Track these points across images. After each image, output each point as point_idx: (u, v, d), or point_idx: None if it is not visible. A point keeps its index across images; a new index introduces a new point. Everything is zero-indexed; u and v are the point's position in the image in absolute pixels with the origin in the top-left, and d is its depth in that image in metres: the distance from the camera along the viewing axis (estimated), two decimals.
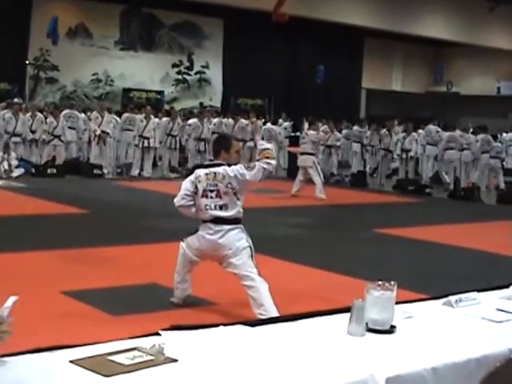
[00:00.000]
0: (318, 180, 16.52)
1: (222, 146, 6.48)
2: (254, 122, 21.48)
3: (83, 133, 20.71)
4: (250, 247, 6.33)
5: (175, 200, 6.63)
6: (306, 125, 23.46)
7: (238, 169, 6.28)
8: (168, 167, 20.73)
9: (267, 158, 6.40)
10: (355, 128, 24.32)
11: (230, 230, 6.29)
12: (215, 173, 6.28)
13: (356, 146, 23.65)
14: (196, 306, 6.74)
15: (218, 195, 6.25)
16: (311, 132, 17.20)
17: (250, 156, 22.51)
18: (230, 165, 6.32)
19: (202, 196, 6.32)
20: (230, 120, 22.50)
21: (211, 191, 6.27)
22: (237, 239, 6.29)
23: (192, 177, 6.47)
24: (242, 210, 6.37)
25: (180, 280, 6.72)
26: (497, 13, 33.24)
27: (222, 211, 6.28)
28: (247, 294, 6.24)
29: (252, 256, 6.32)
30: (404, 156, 21.01)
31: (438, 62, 41.07)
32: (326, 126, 22.13)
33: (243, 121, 21.95)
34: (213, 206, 6.28)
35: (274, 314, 5.83)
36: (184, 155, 22.42)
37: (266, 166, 6.35)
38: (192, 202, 6.47)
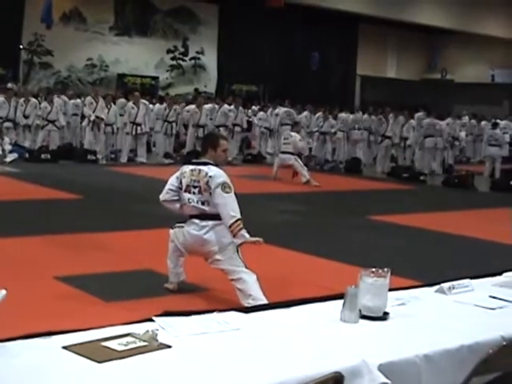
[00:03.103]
0: (301, 171, 16.71)
1: (210, 145, 6.51)
2: None
3: (71, 117, 20.76)
4: (234, 244, 6.34)
5: (160, 195, 6.71)
6: (305, 113, 23.50)
7: (219, 183, 6.25)
8: (163, 153, 20.72)
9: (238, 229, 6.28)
10: (358, 115, 24.06)
11: (215, 225, 6.32)
12: (200, 170, 6.35)
13: (360, 134, 23.17)
14: (190, 292, 6.75)
15: (200, 191, 6.31)
16: (295, 135, 17.35)
17: (241, 142, 22.55)
18: (216, 165, 6.38)
19: (185, 191, 6.41)
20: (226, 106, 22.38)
21: (194, 187, 6.35)
22: (222, 235, 6.30)
23: (178, 173, 6.58)
24: None
25: (173, 265, 6.76)
26: (491, 0, 33.23)
27: (205, 206, 6.33)
28: (235, 287, 6.25)
29: (237, 250, 6.33)
30: (402, 144, 21.18)
31: (433, 49, 41.09)
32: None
33: (226, 106, 21.87)
34: (195, 200, 6.35)
35: (263, 302, 5.83)
36: (179, 141, 22.40)
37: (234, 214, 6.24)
38: (176, 198, 6.55)
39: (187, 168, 6.46)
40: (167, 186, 6.61)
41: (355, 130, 22.98)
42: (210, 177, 6.26)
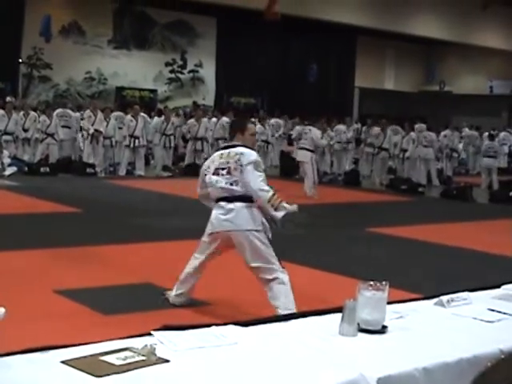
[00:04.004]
0: (310, 176, 16.44)
1: (238, 129, 6.46)
2: None
3: (77, 132, 20.71)
4: (265, 231, 6.20)
5: (197, 190, 6.66)
6: (296, 127, 23.44)
7: (251, 161, 6.14)
8: (161, 166, 20.74)
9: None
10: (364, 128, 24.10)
11: (242, 207, 6.14)
12: (229, 151, 6.25)
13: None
14: (188, 306, 6.73)
15: (229, 172, 6.16)
16: (314, 130, 16.99)
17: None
18: (247, 147, 6.29)
19: (214, 174, 6.26)
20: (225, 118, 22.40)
21: (223, 169, 6.20)
22: (252, 217, 6.14)
23: (207, 161, 6.54)
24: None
25: (183, 278, 6.60)
26: (489, 12, 33.37)
27: (233, 186, 6.15)
28: (265, 287, 6.15)
29: (269, 241, 6.19)
30: (401, 156, 21.24)
31: (431, 61, 41.21)
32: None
33: (225, 119, 21.89)
34: (224, 182, 6.18)
35: (292, 311, 5.71)
36: (178, 154, 22.42)
37: (265, 194, 6.13)
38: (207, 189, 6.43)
39: (216, 154, 6.41)
40: (199, 180, 6.53)
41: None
42: (242, 154, 6.16)
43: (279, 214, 6.13)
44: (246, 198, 6.14)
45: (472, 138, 27.22)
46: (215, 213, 6.27)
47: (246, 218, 6.12)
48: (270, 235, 6.24)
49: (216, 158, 6.34)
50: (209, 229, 6.36)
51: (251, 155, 6.20)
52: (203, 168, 6.51)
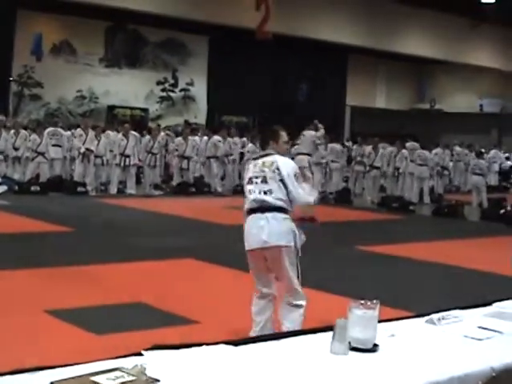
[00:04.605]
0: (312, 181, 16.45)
1: (271, 137, 6.29)
2: None
3: (68, 150, 20.69)
4: (296, 247, 6.07)
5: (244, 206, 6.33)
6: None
7: (291, 171, 6.01)
8: (152, 185, 20.72)
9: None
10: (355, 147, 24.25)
11: (275, 216, 5.92)
12: (264, 160, 6.09)
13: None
14: (179, 324, 6.72)
15: (264, 181, 5.98)
16: (309, 132, 16.95)
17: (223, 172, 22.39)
18: (281, 155, 6.15)
19: (248, 183, 6.10)
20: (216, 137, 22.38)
21: (257, 177, 6.03)
22: (284, 228, 5.94)
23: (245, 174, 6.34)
24: (290, 202, 6.01)
25: (256, 310, 6.19)
26: (479, 31, 33.58)
27: (267, 196, 5.94)
28: (282, 300, 6.10)
29: (298, 259, 6.09)
30: (396, 174, 21.34)
31: (422, 80, 41.40)
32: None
33: (215, 137, 21.91)
34: (257, 191, 5.99)
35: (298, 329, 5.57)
36: (168, 172, 22.43)
37: (311, 199, 6.08)
38: None
39: (250, 164, 6.24)
40: (245, 194, 6.21)
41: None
42: (278, 162, 6.01)
43: (302, 240, 6.16)
44: (279, 208, 5.96)
45: (462, 155, 27.34)
46: (247, 226, 6.03)
47: (279, 226, 5.94)
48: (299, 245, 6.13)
49: (250, 168, 6.18)
50: (246, 247, 6.10)
51: (291, 164, 6.10)
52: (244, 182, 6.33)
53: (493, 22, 32.79)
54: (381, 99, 41.10)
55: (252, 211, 5.99)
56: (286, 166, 6.01)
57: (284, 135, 6.31)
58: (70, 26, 29.22)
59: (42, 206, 16.23)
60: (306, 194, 6.04)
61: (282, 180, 5.92)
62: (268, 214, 5.90)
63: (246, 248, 6.04)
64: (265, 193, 5.94)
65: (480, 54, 35.20)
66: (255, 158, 6.27)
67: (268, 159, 6.06)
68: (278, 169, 5.96)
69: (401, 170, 21.51)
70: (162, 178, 22.26)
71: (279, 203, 5.92)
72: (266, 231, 5.87)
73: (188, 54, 32.90)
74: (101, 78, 30.66)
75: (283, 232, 5.91)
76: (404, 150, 21.82)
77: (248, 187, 6.06)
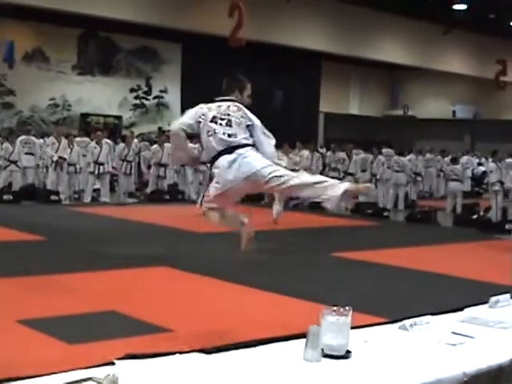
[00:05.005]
0: (279, 206, 16.36)
1: (237, 86, 6.30)
2: None
3: (41, 158, 20.56)
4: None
5: (176, 124, 6.30)
6: None
7: (259, 122, 5.99)
8: (126, 193, 20.65)
9: None
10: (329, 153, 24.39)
11: (247, 151, 5.86)
12: (228, 105, 6.03)
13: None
14: (152, 333, 6.67)
15: (229, 124, 5.94)
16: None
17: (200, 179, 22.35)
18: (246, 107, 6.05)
19: (211, 121, 6.01)
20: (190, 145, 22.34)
21: (222, 119, 5.97)
22: (259, 156, 5.88)
23: (198, 108, 6.23)
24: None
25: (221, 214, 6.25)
26: (450, 37, 33.79)
27: (232, 138, 5.87)
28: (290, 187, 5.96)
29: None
30: (374, 180, 21.44)
31: (394, 86, 41.63)
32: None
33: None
34: (221, 132, 5.91)
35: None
36: (142, 180, 22.36)
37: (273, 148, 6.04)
38: (191, 131, 6.15)
39: (212, 104, 6.15)
40: (185, 119, 6.19)
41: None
42: (247, 111, 6.00)
43: None
44: (246, 146, 5.89)
45: (433, 161, 27.51)
46: (219, 168, 5.88)
47: (253, 157, 5.86)
48: None
49: (213, 108, 6.09)
50: (221, 185, 5.93)
51: (255, 118, 6.04)
52: (195, 111, 6.22)
53: (465, 29, 33.04)
54: (354, 106, 41.28)
55: (218, 155, 5.87)
56: (254, 116, 6.01)
57: (249, 88, 6.33)
58: (43, 34, 29.07)
59: (14, 214, 16.11)
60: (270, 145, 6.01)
61: (249, 126, 5.91)
62: (238, 150, 5.81)
63: (227, 185, 5.87)
64: (229, 135, 5.87)
65: (452, 60, 35.43)
66: (217, 101, 6.18)
67: (233, 105, 6.04)
68: (246, 114, 5.96)
69: (378, 177, 21.62)
70: (136, 186, 22.19)
71: (248, 142, 5.89)
72: (247, 161, 5.77)
73: (161, 61, 32.86)
74: (74, 86, 30.52)
75: (259, 157, 5.85)
76: (381, 157, 21.95)
77: (212, 125, 5.94)
